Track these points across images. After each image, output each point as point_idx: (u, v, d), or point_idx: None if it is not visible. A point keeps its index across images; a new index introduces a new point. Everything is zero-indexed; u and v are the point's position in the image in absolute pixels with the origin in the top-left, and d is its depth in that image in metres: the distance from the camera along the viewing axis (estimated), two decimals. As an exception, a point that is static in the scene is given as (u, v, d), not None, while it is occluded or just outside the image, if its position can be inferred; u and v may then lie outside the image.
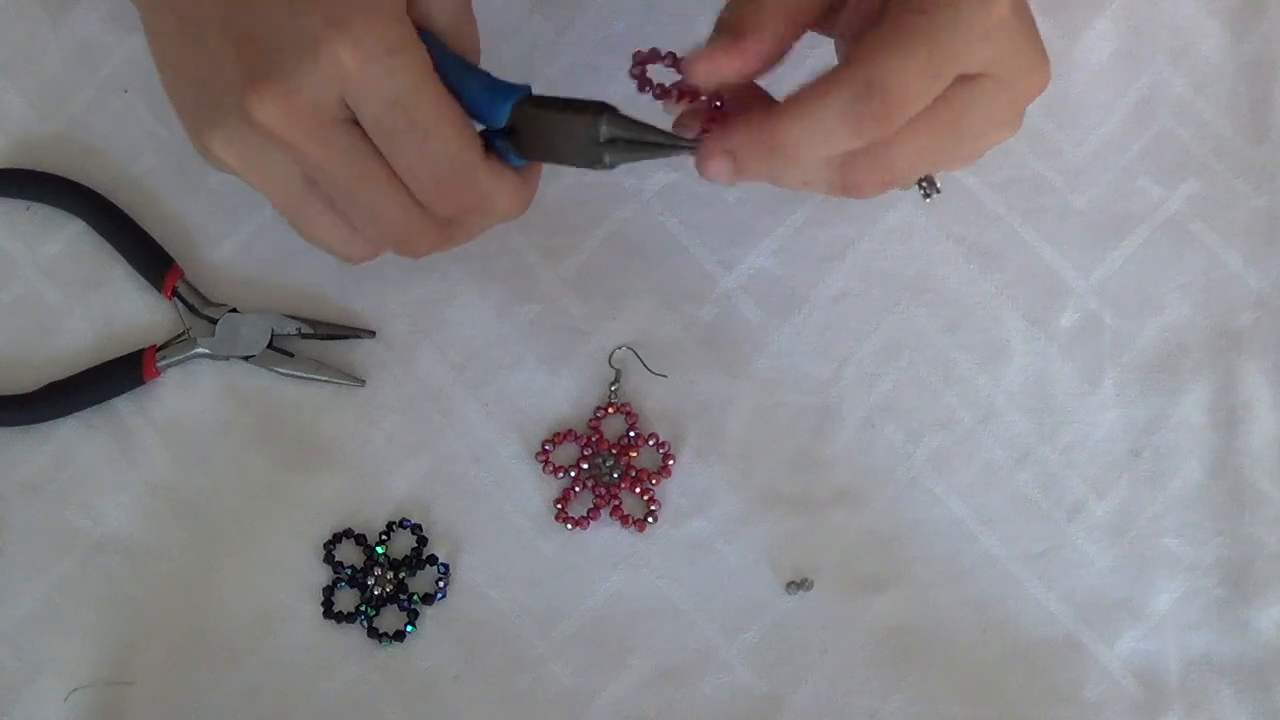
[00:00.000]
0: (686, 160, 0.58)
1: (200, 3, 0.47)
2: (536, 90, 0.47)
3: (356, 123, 0.45)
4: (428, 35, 0.46)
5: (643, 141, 0.45)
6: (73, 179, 0.58)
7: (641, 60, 0.46)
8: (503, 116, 0.46)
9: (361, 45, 0.43)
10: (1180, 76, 0.60)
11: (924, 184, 0.49)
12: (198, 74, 0.47)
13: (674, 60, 0.46)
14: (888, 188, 0.47)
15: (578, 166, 0.46)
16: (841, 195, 0.47)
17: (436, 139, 0.45)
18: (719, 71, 0.44)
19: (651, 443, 0.56)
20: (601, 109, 0.45)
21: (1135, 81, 0.60)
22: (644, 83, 0.46)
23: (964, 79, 0.44)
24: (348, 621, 0.55)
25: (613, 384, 0.57)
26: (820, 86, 0.43)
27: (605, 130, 0.45)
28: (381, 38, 0.43)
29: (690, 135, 0.46)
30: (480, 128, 0.47)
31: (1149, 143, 0.60)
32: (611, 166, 0.45)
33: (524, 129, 0.46)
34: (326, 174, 0.46)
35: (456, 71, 0.46)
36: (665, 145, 0.45)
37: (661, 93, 0.46)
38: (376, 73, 0.43)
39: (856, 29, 0.47)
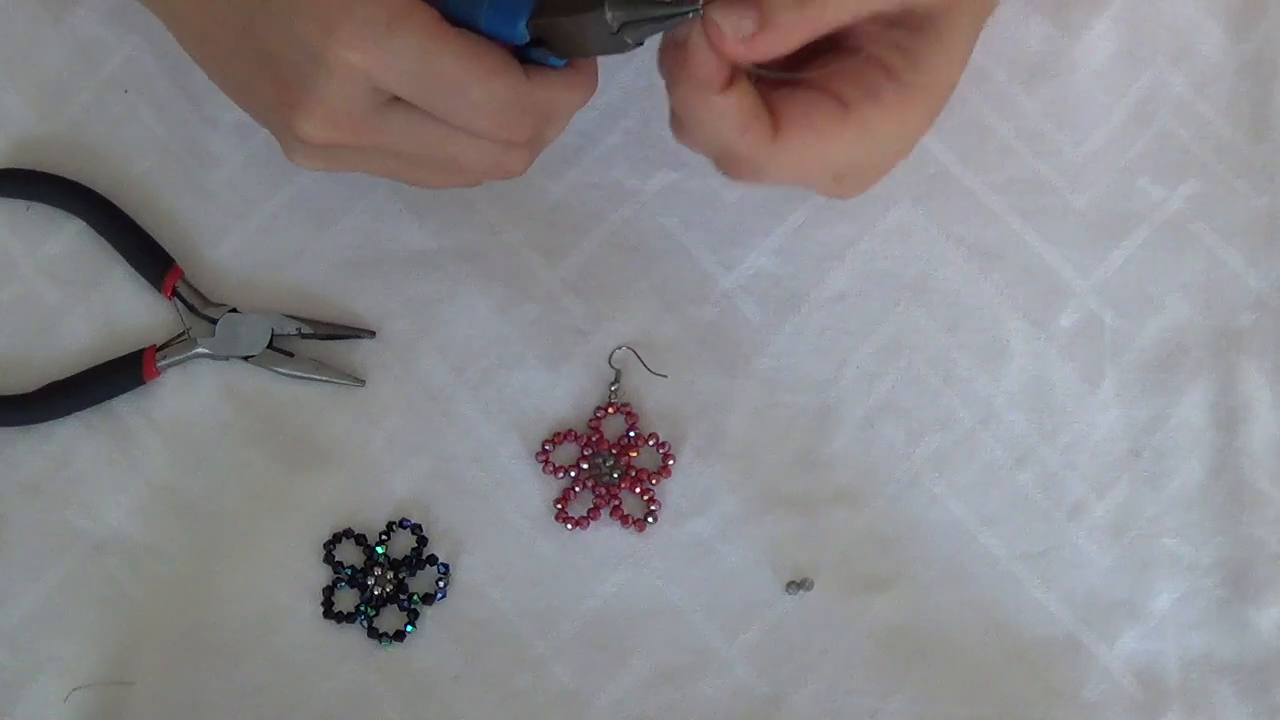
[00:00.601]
0: (687, 160, 0.59)
1: (214, 23, 0.48)
2: None
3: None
4: None
5: (651, 18, 0.44)
6: (73, 179, 0.58)
7: None
8: (522, 35, 0.45)
9: (359, 38, 0.43)
10: (1180, 76, 0.60)
11: None
12: (245, 95, 0.48)
13: None
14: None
15: (610, 54, 0.46)
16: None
17: (473, 89, 0.44)
18: (739, 44, 0.44)
19: (651, 443, 0.56)
20: (600, 0, 0.44)
21: (1135, 81, 0.60)
22: None
23: None
24: (348, 621, 0.55)
25: (613, 384, 0.57)
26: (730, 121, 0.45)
27: (612, 19, 0.43)
28: (374, 21, 0.43)
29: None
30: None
31: (1149, 143, 0.60)
32: (638, 44, 0.44)
33: (548, 37, 0.45)
34: (401, 152, 0.47)
35: (464, 3, 0.45)
36: (671, 16, 0.43)
37: None
38: (386, 56, 0.43)
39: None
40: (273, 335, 0.56)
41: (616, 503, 0.56)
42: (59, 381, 0.56)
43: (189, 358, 0.56)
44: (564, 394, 0.57)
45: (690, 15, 0.43)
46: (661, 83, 0.46)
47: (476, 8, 0.45)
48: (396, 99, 0.45)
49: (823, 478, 0.56)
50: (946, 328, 0.58)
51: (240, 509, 0.56)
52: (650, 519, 0.56)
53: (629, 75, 0.59)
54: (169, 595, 0.55)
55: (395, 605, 0.55)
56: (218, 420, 0.56)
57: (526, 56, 0.46)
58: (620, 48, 0.45)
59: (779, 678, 0.55)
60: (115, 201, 0.58)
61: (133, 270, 0.57)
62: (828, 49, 0.46)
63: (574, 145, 0.59)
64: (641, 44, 0.45)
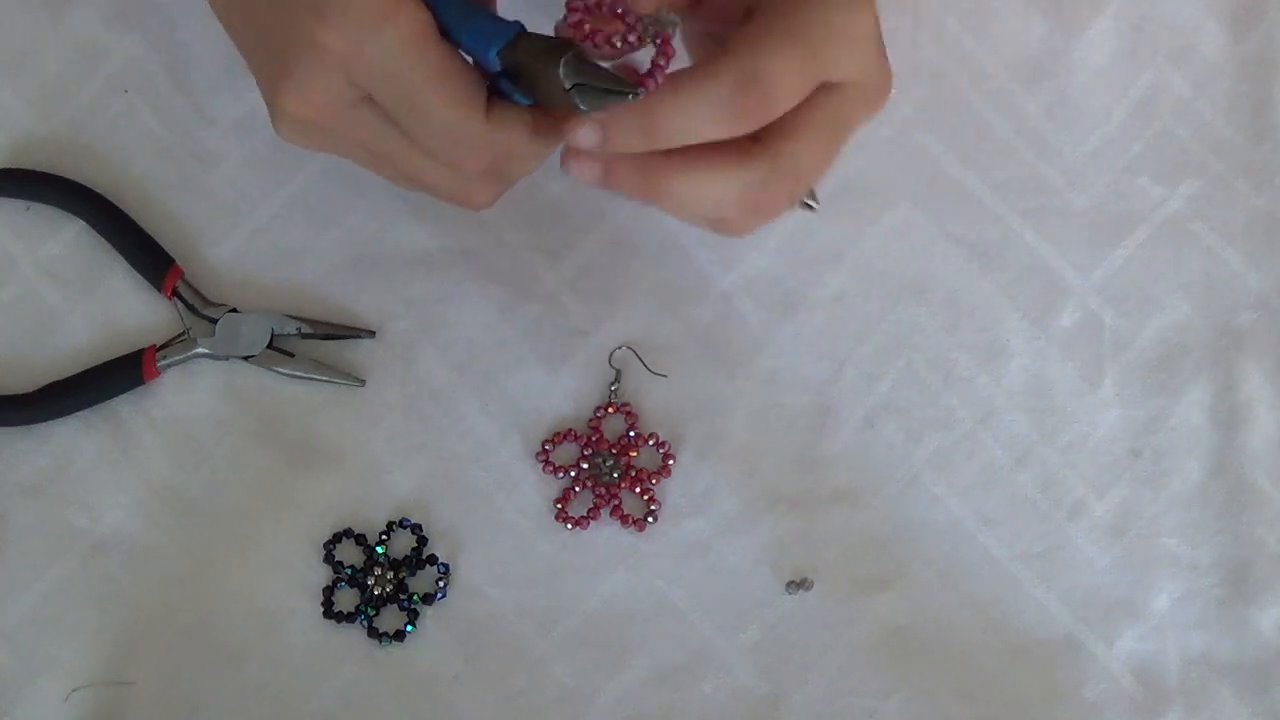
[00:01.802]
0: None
1: (227, 5, 0.48)
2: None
3: None
4: None
5: (599, 88, 0.44)
6: (73, 179, 0.58)
7: (578, 9, 0.45)
8: (493, 62, 0.45)
9: (346, 28, 0.43)
10: (1180, 76, 0.60)
11: (806, 199, 0.50)
12: (247, 55, 0.48)
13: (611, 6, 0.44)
14: (774, 214, 0.48)
15: (563, 108, 0.45)
16: (723, 231, 0.49)
17: (433, 110, 0.45)
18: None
19: (651, 443, 0.56)
20: (563, 53, 0.44)
21: (1135, 81, 0.60)
22: (582, 35, 0.45)
23: (829, 86, 0.45)
24: (348, 621, 0.55)
25: (613, 384, 0.57)
26: (700, 74, 0.44)
27: (564, 76, 0.44)
28: (363, 14, 0.43)
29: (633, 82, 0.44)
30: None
31: (1149, 143, 0.60)
32: (585, 109, 0.44)
33: (518, 72, 0.45)
34: (371, 149, 0.47)
35: (457, 13, 0.45)
36: (617, 91, 0.44)
37: (595, 41, 0.45)
38: (367, 52, 0.43)
39: (718, 19, 0.48)
40: (273, 335, 0.56)
41: (616, 502, 0.56)
42: (59, 381, 0.56)
43: (189, 358, 0.56)
44: (564, 394, 0.57)
45: (631, 97, 0.44)
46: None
47: (460, 22, 0.45)
48: (371, 98, 0.45)
49: (823, 478, 0.56)
50: (946, 328, 0.58)
51: (240, 509, 0.56)
52: (650, 519, 0.56)
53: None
54: (169, 595, 0.55)
55: (395, 605, 0.55)
56: (218, 420, 0.56)
57: (499, 88, 0.46)
58: (573, 106, 0.45)
59: (779, 678, 0.55)
60: (115, 201, 0.58)
61: (133, 270, 0.57)
62: None
63: (574, 145, 0.58)
64: (588, 111, 0.44)
